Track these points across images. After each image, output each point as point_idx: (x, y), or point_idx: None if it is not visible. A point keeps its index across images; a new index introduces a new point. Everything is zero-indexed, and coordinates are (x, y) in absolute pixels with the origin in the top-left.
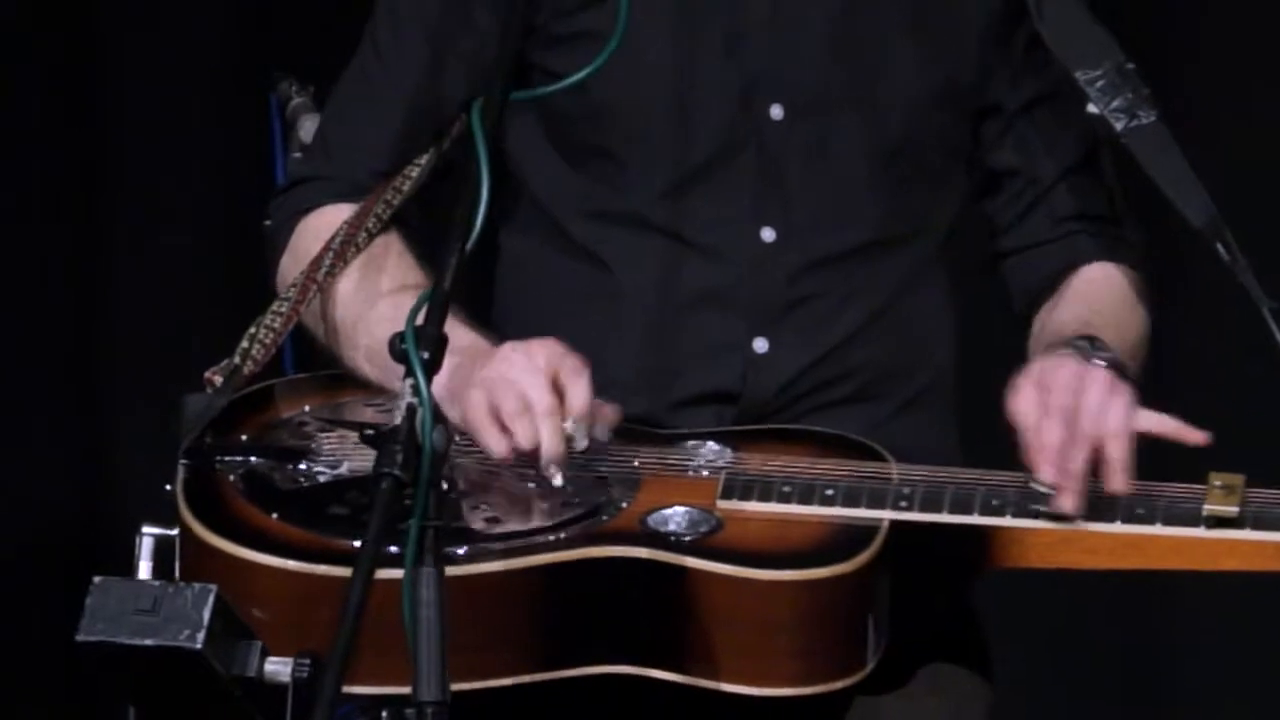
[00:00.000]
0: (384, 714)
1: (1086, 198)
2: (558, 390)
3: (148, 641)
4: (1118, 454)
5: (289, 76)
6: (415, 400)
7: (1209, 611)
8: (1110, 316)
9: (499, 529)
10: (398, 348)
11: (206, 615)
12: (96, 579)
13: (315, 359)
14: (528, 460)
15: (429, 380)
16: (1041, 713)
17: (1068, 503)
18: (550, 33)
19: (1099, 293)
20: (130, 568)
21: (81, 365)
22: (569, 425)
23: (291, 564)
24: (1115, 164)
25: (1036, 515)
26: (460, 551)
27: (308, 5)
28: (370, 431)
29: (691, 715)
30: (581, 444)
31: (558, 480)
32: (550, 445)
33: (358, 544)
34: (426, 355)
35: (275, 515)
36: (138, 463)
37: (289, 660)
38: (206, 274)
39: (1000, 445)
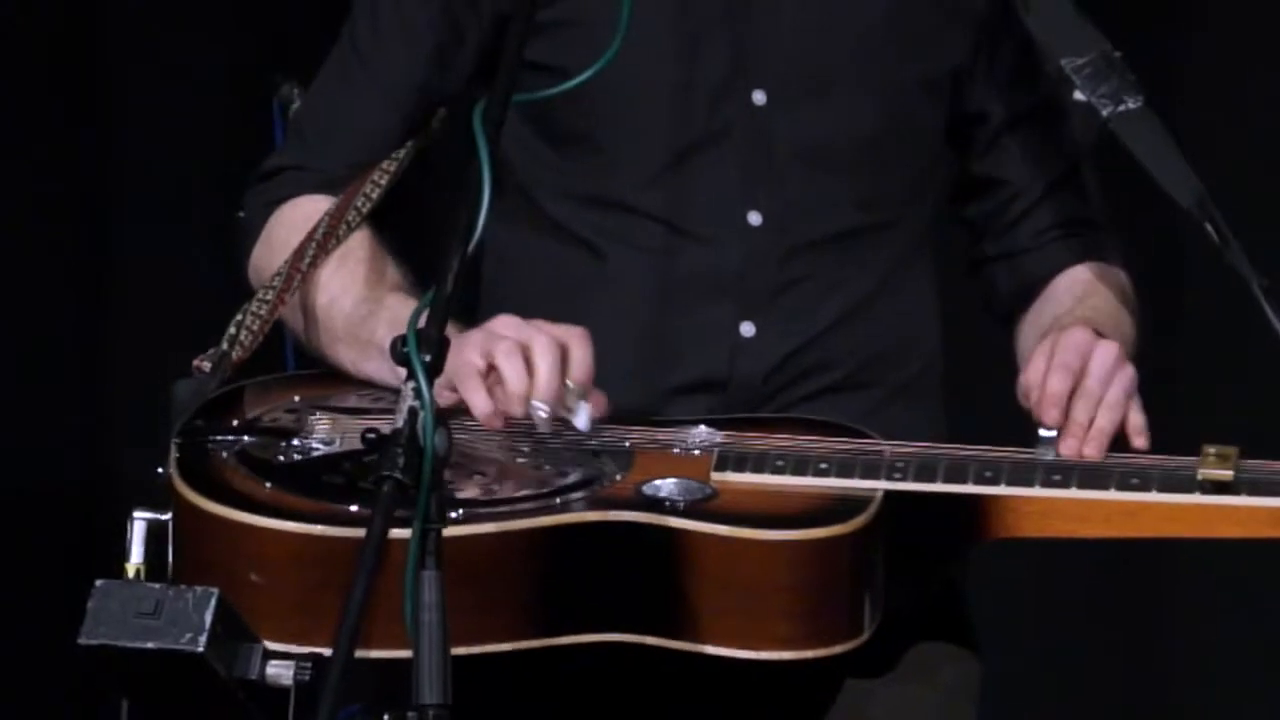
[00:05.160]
0: (386, 717)
1: (1073, 207)
2: (562, 353)
3: (149, 645)
4: (1106, 424)
5: (291, 80)
6: (417, 404)
7: (1207, 606)
8: (1107, 313)
9: (493, 495)
10: (399, 351)
11: (208, 618)
12: (98, 582)
13: (315, 357)
14: (512, 421)
15: (430, 383)
16: (1029, 701)
17: (1071, 446)
18: (535, 20)
19: (1092, 290)
20: (123, 556)
21: (83, 364)
22: (569, 386)
23: (288, 525)
24: (1098, 177)
25: (1039, 471)
26: (455, 515)
27: (310, 9)
28: (372, 434)
29: (688, 696)
30: (572, 403)
31: (543, 415)
32: (546, 382)
33: (353, 508)
34: (428, 358)
35: (269, 485)
36: (137, 456)
37: (290, 663)
38: (208, 275)
39: (990, 438)
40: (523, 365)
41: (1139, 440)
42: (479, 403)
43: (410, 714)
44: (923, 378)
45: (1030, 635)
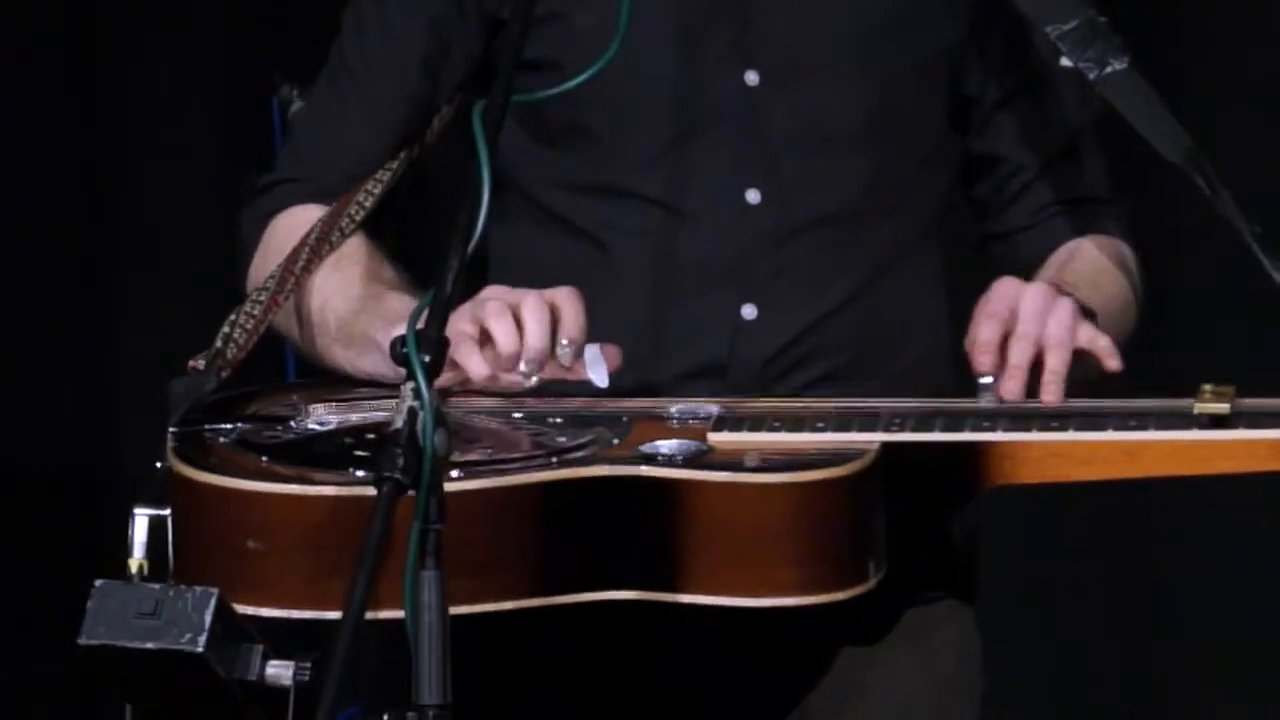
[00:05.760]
0: (385, 717)
1: (1070, 183)
2: (553, 313)
3: (149, 645)
4: (1055, 364)
5: (290, 80)
6: (416, 404)
7: (1205, 581)
8: (1085, 276)
9: (490, 458)
10: (399, 351)
11: (208, 618)
12: (98, 582)
13: (315, 366)
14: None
15: (430, 384)
16: (1031, 666)
17: (1010, 388)
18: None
19: (1073, 257)
20: (123, 554)
21: (84, 362)
22: (563, 345)
23: (285, 488)
24: (1099, 150)
25: (1037, 416)
26: (452, 475)
27: (310, 10)
28: (372, 435)
29: (684, 662)
30: (567, 361)
31: (532, 382)
32: (535, 339)
33: (357, 472)
34: (428, 359)
35: (265, 459)
36: (137, 456)
37: (290, 663)
38: (208, 275)
39: None
40: (513, 324)
41: (1111, 363)
42: (474, 365)
43: (410, 714)
44: (928, 365)
45: (1035, 639)
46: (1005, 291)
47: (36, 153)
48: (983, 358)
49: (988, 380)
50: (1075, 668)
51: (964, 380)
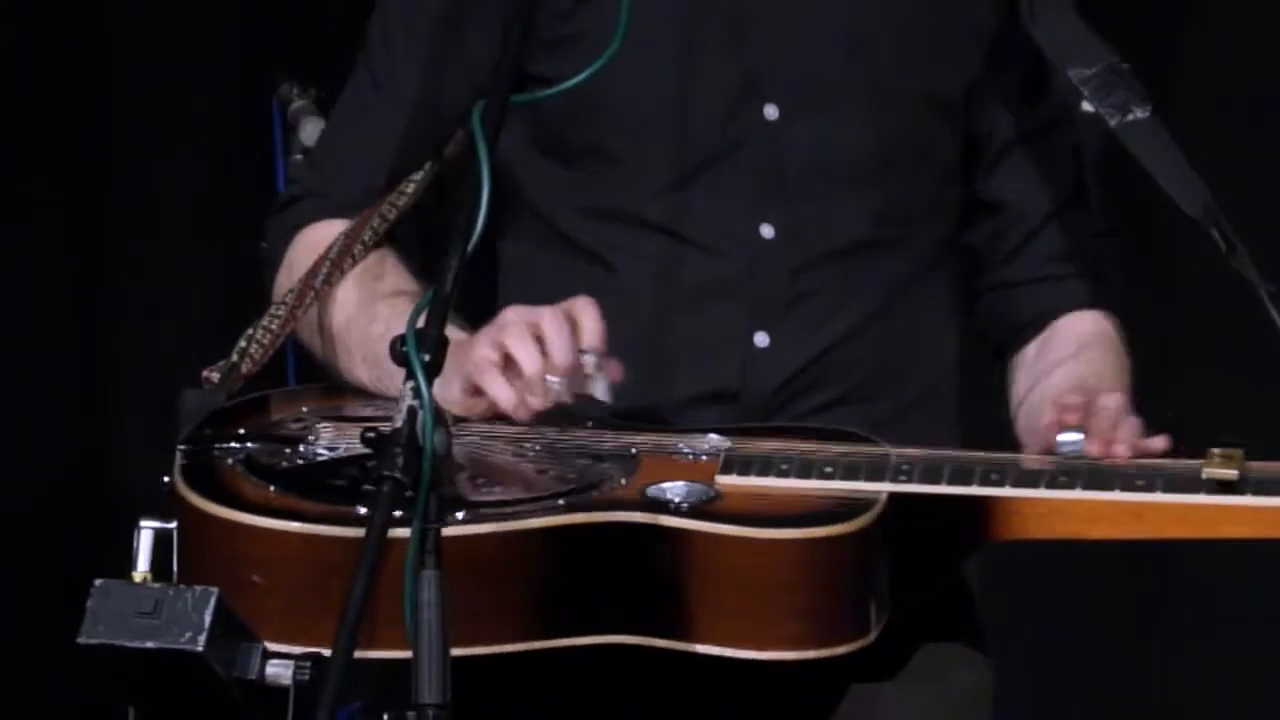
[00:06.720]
0: (385, 716)
1: (1074, 239)
2: (572, 324)
3: (149, 644)
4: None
5: (290, 79)
6: (416, 403)
7: (1209, 600)
8: (1107, 376)
9: (496, 497)
10: (398, 350)
11: (208, 618)
12: (97, 581)
13: (317, 373)
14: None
15: (429, 383)
16: (1040, 696)
17: (1098, 446)
18: (544, 38)
19: (1091, 350)
20: (129, 563)
21: (84, 365)
22: (584, 355)
23: (291, 526)
24: (1099, 187)
25: (1044, 472)
26: (458, 516)
27: (310, 8)
28: (371, 433)
29: (694, 695)
30: (590, 369)
31: (558, 387)
32: (560, 354)
33: (358, 509)
34: (427, 358)
35: (273, 488)
36: (140, 461)
37: (290, 662)
38: (208, 274)
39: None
40: (534, 346)
41: (1159, 442)
42: (501, 394)
43: (410, 713)
44: (935, 392)
45: (1038, 640)
46: (1078, 389)
47: (36, 153)
48: (1070, 415)
49: (1073, 439)
50: (1075, 670)
51: (973, 407)
